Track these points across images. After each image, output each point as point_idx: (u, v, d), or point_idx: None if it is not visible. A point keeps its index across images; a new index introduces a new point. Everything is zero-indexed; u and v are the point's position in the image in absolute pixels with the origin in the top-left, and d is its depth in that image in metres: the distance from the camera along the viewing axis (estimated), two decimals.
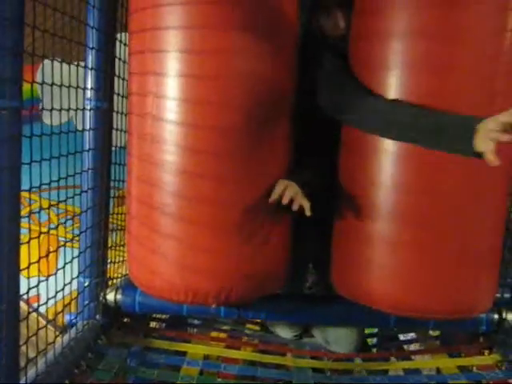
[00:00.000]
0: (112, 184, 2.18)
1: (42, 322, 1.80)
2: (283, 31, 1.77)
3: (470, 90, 1.64)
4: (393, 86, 1.66)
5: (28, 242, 1.49)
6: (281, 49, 1.76)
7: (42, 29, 1.54)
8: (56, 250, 1.80)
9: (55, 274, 1.78)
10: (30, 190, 1.50)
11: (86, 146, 1.99)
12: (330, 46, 1.89)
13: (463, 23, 1.61)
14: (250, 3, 1.67)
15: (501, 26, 1.64)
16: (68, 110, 1.76)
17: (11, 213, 1.38)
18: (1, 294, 1.36)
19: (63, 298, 1.83)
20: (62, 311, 1.90)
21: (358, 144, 1.79)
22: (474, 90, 1.64)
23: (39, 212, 1.74)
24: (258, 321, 2.44)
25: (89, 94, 1.97)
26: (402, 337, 2.56)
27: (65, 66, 1.78)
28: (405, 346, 2.47)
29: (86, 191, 1.98)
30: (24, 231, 1.58)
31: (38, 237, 1.60)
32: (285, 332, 2.36)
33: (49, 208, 1.81)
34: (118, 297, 2.08)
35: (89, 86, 1.97)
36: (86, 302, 2.03)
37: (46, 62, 1.65)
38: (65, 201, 1.83)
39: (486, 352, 2.16)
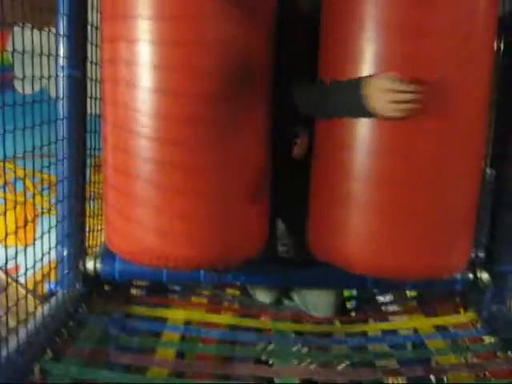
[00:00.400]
0: (88, 152, 2.15)
1: (22, 291, 1.80)
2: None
3: (445, 53, 1.64)
4: (368, 51, 1.66)
5: (4, 214, 1.49)
6: (255, 14, 1.73)
7: None
8: (34, 220, 1.79)
9: (34, 243, 1.77)
10: (4, 160, 1.48)
11: (61, 115, 1.95)
12: (303, 18, 1.89)
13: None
14: None
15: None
16: (40, 78, 1.73)
17: None
18: None
19: (42, 267, 1.83)
20: (42, 281, 1.90)
21: None
22: (449, 53, 1.65)
23: (15, 182, 1.73)
24: (238, 285, 2.46)
25: (61, 61, 1.93)
26: (381, 298, 2.60)
27: (36, 32, 1.75)
28: (383, 308, 2.50)
29: (61, 160, 1.96)
30: (0, 201, 1.57)
31: (15, 207, 1.59)
32: (264, 296, 2.38)
33: (24, 177, 1.79)
34: (98, 265, 2.08)
35: (61, 53, 1.93)
36: (66, 271, 2.03)
37: (17, 29, 1.62)
38: (41, 170, 1.81)
39: (462, 311, 2.21)
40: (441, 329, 2.11)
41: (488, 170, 2.14)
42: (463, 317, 2.16)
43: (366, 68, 1.66)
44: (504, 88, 2.09)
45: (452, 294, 2.28)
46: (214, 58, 1.65)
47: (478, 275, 2.10)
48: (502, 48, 2.10)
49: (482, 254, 2.16)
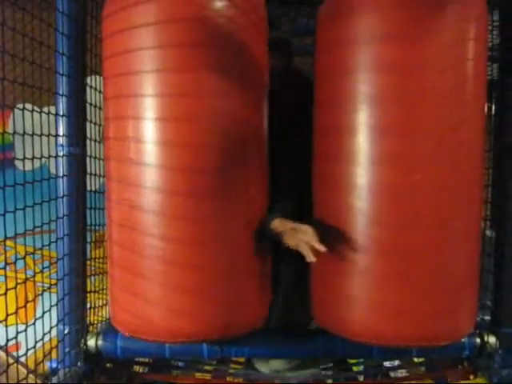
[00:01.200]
0: (88, 228, 2.16)
1: (23, 371, 1.77)
2: (253, 71, 1.81)
3: (437, 119, 1.69)
4: (360, 120, 1.70)
5: (5, 294, 1.48)
6: (251, 88, 1.80)
7: (12, 77, 1.55)
8: (34, 299, 1.78)
9: (34, 322, 1.76)
10: (5, 239, 1.49)
11: (61, 192, 1.97)
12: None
13: (426, 56, 1.66)
14: (219, 45, 1.70)
15: (463, 55, 1.71)
16: (40, 158, 1.75)
17: None
18: None
19: (43, 345, 1.81)
20: (43, 359, 1.87)
21: (332, 179, 1.82)
22: (441, 119, 1.69)
23: (15, 260, 1.73)
24: (242, 360, 2.42)
25: (61, 140, 1.96)
26: (387, 364, 2.55)
27: (36, 112, 1.78)
28: (391, 374, 2.45)
29: (62, 238, 1.96)
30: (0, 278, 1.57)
31: (15, 287, 1.59)
32: (265, 367, 2.34)
33: (25, 256, 1.79)
34: (99, 342, 2.05)
35: (60, 132, 1.96)
36: (67, 350, 2.00)
37: (17, 110, 1.66)
38: (41, 248, 1.82)
39: (471, 376, 2.17)
40: None
41: (488, 232, 2.14)
42: (473, 383, 2.11)
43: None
44: (501, 149, 2.11)
45: (460, 360, 2.24)
46: (213, 131, 1.70)
47: (486, 339, 2.07)
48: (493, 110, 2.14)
49: (487, 318, 2.13)
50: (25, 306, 1.68)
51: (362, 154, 1.72)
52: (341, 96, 1.75)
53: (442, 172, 1.70)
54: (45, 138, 1.82)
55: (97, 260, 2.34)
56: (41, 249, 1.81)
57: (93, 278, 2.27)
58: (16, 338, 1.56)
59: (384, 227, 1.71)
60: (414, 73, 1.68)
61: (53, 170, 2.02)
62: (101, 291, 2.29)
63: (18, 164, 1.80)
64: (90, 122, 2.12)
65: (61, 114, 1.96)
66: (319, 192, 1.91)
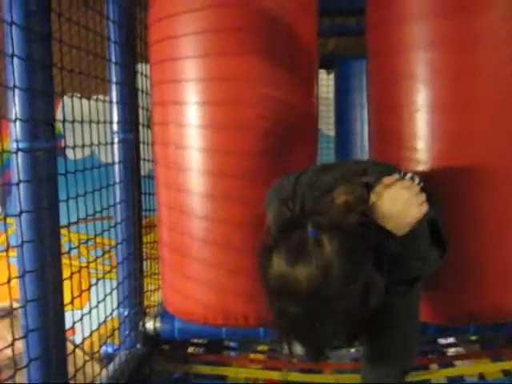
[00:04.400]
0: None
1: (80, 354, 1.81)
2: (301, 57, 1.81)
3: (491, 92, 1.66)
4: (418, 97, 1.69)
5: (71, 277, 1.51)
6: (299, 74, 1.80)
7: (68, 67, 1.57)
8: (90, 287, 1.81)
9: (94, 307, 1.79)
10: (68, 226, 1.52)
11: (117, 179, 2.01)
12: None
13: (478, 30, 1.65)
14: (266, 30, 1.71)
15: None
16: (98, 144, 1.78)
17: (53, 250, 1.39)
18: (48, 331, 1.36)
19: (99, 330, 1.84)
20: (100, 343, 1.92)
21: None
22: (496, 92, 1.67)
23: (73, 248, 1.75)
24: None
25: (115, 127, 2.00)
26: (442, 341, 2.53)
27: (84, 101, 1.80)
28: (445, 351, 2.44)
29: (120, 223, 2.00)
30: None
31: (80, 271, 1.61)
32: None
33: (79, 244, 1.81)
34: (157, 325, 2.09)
35: (115, 119, 2.00)
36: (127, 332, 2.04)
37: (66, 98, 1.68)
38: (97, 235, 1.84)
39: None
40: (509, 374, 2.04)
41: None
42: None
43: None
44: None
45: None
46: (259, 116, 1.71)
47: None
48: None
49: None
50: (88, 290, 1.70)
51: (420, 133, 1.70)
52: (395, 75, 1.74)
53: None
54: (94, 127, 1.84)
55: (147, 245, 2.38)
56: (95, 236, 1.83)
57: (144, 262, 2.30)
58: (80, 321, 1.58)
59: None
60: (467, 48, 1.65)
61: (102, 159, 2.05)
62: (153, 275, 2.33)
63: (69, 153, 1.82)
64: (142, 108, 2.15)
65: (114, 101, 1.98)
66: None
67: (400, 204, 1.19)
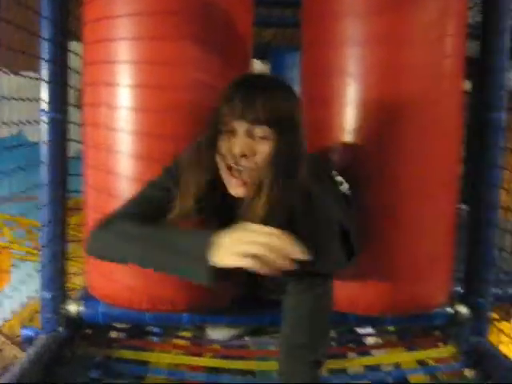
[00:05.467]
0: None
1: (1, 338, 1.78)
2: (235, 45, 1.83)
3: (420, 91, 1.74)
4: (348, 91, 1.74)
5: None
6: (232, 62, 1.81)
7: None
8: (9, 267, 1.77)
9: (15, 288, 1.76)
10: None
11: (44, 159, 1.96)
12: None
13: (409, 30, 1.73)
14: (200, 15, 1.72)
15: (443, 30, 1.77)
16: (26, 123, 1.74)
17: None
18: None
19: (20, 313, 1.81)
20: (20, 326, 1.88)
21: None
22: (423, 91, 1.75)
23: None
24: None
25: (44, 105, 1.95)
26: (360, 330, 2.60)
27: (12, 77, 1.76)
28: (363, 340, 2.51)
29: (45, 205, 1.96)
30: None
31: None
32: (222, 333, 2.36)
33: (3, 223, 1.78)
34: (80, 308, 2.06)
35: (44, 97, 1.95)
36: (49, 316, 2.00)
37: None
38: (21, 215, 1.81)
39: (442, 344, 2.24)
40: (423, 363, 2.13)
41: (462, 206, 2.20)
42: (444, 351, 2.18)
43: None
44: (472, 125, 2.16)
45: (431, 329, 2.31)
46: (189, 101, 1.72)
47: (457, 309, 2.13)
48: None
49: (460, 289, 2.21)
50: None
51: (349, 125, 1.77)
52: (327, 68, 1.78)
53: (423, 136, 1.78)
54: (23, 105, 1.79)
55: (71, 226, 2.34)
56: (20, 216, 1.80)
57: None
58: None
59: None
60: (397, 46, 1.72)
61: (30, 138, 2.00)
62: (77, 258, 2.30)
63: None
64: (71, 87, 2.11)
65: (44, 79, 1.93)
66: None
67: (231, 240, 1.09)
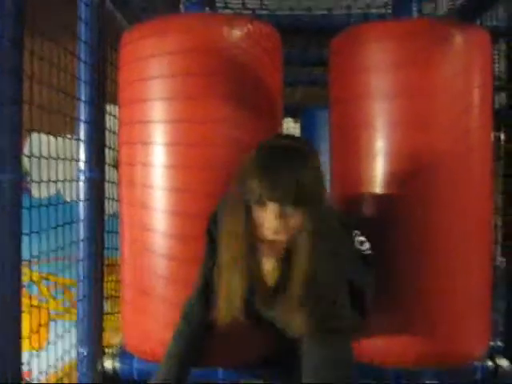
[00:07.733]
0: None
1: None
2: (266, 101, 1.86)
3: (448, 143, 1.74)
4: (377, 144, 1.76)
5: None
6: (264, 119, 1.85)
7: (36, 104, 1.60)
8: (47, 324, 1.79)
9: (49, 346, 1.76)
10: (29, 260, 1.51)
11: (81, 216, 2.01)
12: None
13: (434, 82, 1.75)
14: (232, 75, 1.77)
15: (469, 83, 1.78)
16: (63, 181, 1.79)
17: (13, 283, 1.38)
18: (4, 370, 1.34)
19: (57, 370, 1.81)
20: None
21: None
22: (451, 143, 1.75)
23: (29, 285, 1.73)
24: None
25: (82, 165, 2.01)
26: None
27: (52, 140, 1.82)
28: None
29: (82, 260, 2.00)
30: None
31: (38, 307, 1.60)
32: None
33: (39, 282, 1.80)
34: (116, 364, 2.06)
35: (81, 157, 2.02)
36: (85, 371, 2.01)
37: (34, 135, 1.69)
38: (56, 273, 1.83)
39: None
40: None
41: (499, 258, 2.17)
42: None
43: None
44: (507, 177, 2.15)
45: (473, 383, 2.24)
46: (224, 158, 1.75)
47: (498, 363, 2.07)
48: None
49: (500, 344, 2.15)
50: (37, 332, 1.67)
51: (378, 178, 1.78)
52: (354, 122, 1.82)
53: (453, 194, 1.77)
54: (60, 166, 1.85)
55: (109, 284, 2.36)
56: (55, 274, 1.82)
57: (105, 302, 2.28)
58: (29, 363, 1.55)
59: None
60: (423, 99, 1.74)
61: (67, 198, 2.05)
62: (113, 315, 2.31)
63: (34, 191, 1.81)
64: (109, 147, 2.17)
65: (82, 139, 2.00)
66: None
67: None
